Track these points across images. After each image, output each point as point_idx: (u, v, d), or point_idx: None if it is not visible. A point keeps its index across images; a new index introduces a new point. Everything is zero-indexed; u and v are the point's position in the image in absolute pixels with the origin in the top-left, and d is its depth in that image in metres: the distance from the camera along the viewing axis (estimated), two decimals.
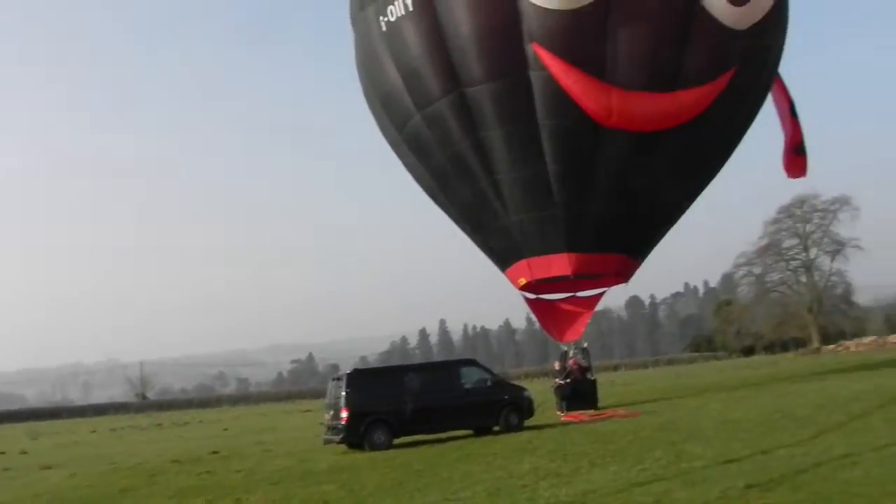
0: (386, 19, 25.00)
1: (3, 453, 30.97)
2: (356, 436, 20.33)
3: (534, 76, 23.48)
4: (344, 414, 20.31)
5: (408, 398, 21.01)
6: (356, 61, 28.37)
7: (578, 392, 27.18)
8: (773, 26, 25.24)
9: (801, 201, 78.39)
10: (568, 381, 27.39)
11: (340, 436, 20.48)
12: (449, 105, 24.56)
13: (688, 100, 23.71)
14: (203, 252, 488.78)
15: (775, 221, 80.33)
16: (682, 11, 23.10)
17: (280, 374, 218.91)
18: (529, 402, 22.77)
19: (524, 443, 18.28)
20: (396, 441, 20.75)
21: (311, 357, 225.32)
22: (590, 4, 22.49)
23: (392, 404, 20.79)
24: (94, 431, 47.67)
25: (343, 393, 20.55)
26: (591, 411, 25.91)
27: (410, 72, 24.96)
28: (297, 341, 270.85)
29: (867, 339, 66.70)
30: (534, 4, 22.75)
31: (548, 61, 23.12)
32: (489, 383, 22.60)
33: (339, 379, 21.52)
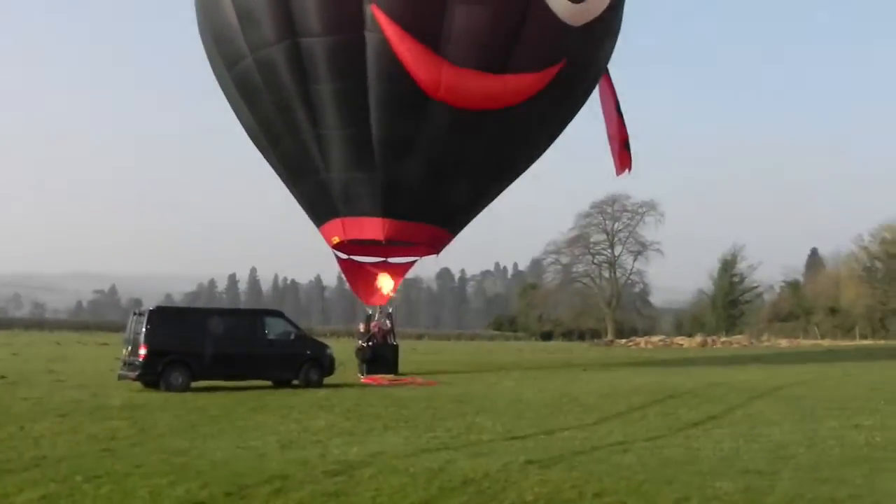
0: None
1: None
2: (153, 374, 19.99)
3: (369, 37, 23.49)
4: (142, 351, 19.92)
5: (209, 342, 20.79)
6: None
7: (379, 356, 27.58)
8: (606, 26, 26.15)
9: (612, 200, 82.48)
10: (370, 344, 27.74)
11: (137, 373, 20.06)
12: (282, 52, 24.18)
13: (514, 85, 24.33)
14: (11, 164, 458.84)
15: (587, 215, 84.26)
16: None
17: (80, 302, 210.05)
18: (331, 359, 22.98)
19: (321, 399, 18.48)
20: (194, 385, 20.51)
21: (113, 289, 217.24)
22: None
23: (193, 346, 20.55)
24: None
25: (143, 329, 20.13)
26: (391, 376, 26.40)
27: (247, 13, 24.41)
28: (100, 270, 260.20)
29: (656, 338, 70.63)
30: None
31: (384, 24, 23.18)
32: (293, 337, 22.68)
33: (140, 314, 21.04)
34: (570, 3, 23.85)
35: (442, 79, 23.59)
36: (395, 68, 23.50)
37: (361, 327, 29.70)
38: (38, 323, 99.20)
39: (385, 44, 23.36)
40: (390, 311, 29.84)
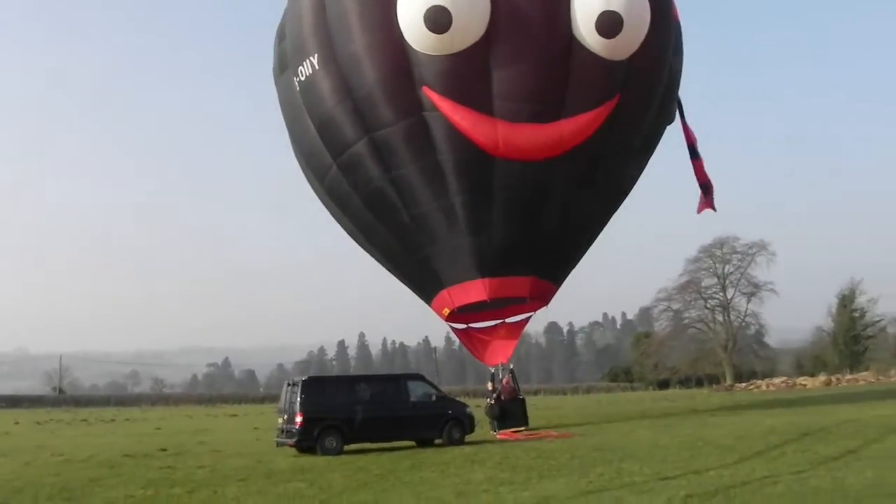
0: (299, 79, 27.05)
1: None
2: (310, 440, 21.37)
3: (429, 116, 25.28)
4: (299, 419, 21.35)
5: (358, 407, 22.19)
6: (284, 123, 30.19)
7: (507, 411, 28.39)
8: (656, 55, 26.67)
9: (720, 243, 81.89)
10: (497, 399, 28.59)
11: (294, 439, 21.50)
12: (362, 149, 26.36)
13: (570, 128, 25.28)
14: (118, 246, 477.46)
15: (696, 260, 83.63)
16: (559, 47, 24.84)
17: (195, 376, 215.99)
18: (471, 418, 24.11)
19: (470, 455, 19.58)
20: (346, 448, 21.88)
21: (227, 362, 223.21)
22: (470, 48, 24.32)
23: (344, 412, 21.88)
24: (17, 423, 47.27)
25: (299, 398, 21.62)
26: (525, 430, 27.29)
27: (324, 123, 26.91)
28: (212, 344, 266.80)
29: (777, 380, 69.53)
30: (420, 52, 24.63)
31: (438, 102, 24.96)
32: (434, 398, 23.87)
33: (294, 385, 22.53)
34: (604, 39, 24.71)
35: (499, 137, 24.98)
36: (456, 138, 25.20)
37: (490, 386, 30.60)
38: (162, 398, 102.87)
39: (443, 119, 25.14)
40: (511, 367, 30.71)
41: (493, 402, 28.62)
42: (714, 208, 32.04)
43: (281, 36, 28.95)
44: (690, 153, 31.58)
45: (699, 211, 32.18)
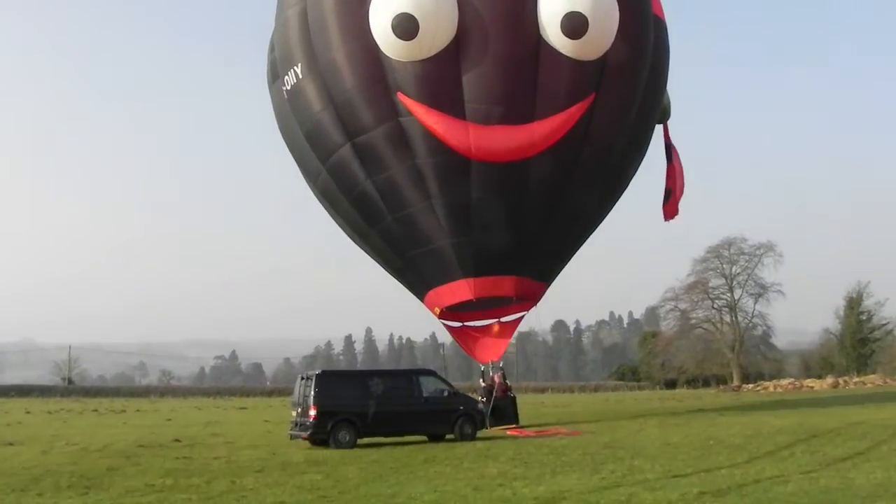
0: (286, 87, 27.74)
1: None
2: (323, 433, 21.64)
3: (404, 122, 25.61)
4: (312, 412, 21.62)
5: (371, 401, 22.44)
6: (278, 129, 30.70)
7: (497, 408, 28.21)
8: (632, 54, 26.47)
9: (728, 243, 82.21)
10: (485, 398, 28.36)
11: (308, 432, 21.78)
12: (346, 153, 26.81)
13: (542, 130, 25.38)
14: (127, 237, 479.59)
15: (703, 260, 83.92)
16: (526, 50, 25.01)
17: (202, 368, 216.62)
18: (482, 414, 24.38)
19: (483, 450, 19.78)
20: (358, 442, 22.12)
21: (234, 355, 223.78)
22: (439, 53, 24.67)
23: (357, 406, 22.14)
24: (28, 412, 47.77)
25: (312, 392, 21.89)
26: (535, 428, 27.46)
27: (311, 130, 27.54)
28: (219, 337, 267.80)
29: (785, 381, 69.65)
30: (392, 59, 25.03)
31: (412, 107, 25.30)
32: (446, 394, 24.12)
33: (308, 378, 22.79)
34: (570, 40, 24.77)
35: (471, 141, 25.21)
36: (432, 142, 25.51)
37: (482, 383, 30.78)
38: (171, 389, 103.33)
39: (417, 123, 25.47)
40: (501, 365, 30.93)
41: (484, 398, 28.67)
42: (672, 215, 32.00)
43: (272, 46, 29.64)
44: (667, 155, 31.72)
45: (665, 218, 32.14)
